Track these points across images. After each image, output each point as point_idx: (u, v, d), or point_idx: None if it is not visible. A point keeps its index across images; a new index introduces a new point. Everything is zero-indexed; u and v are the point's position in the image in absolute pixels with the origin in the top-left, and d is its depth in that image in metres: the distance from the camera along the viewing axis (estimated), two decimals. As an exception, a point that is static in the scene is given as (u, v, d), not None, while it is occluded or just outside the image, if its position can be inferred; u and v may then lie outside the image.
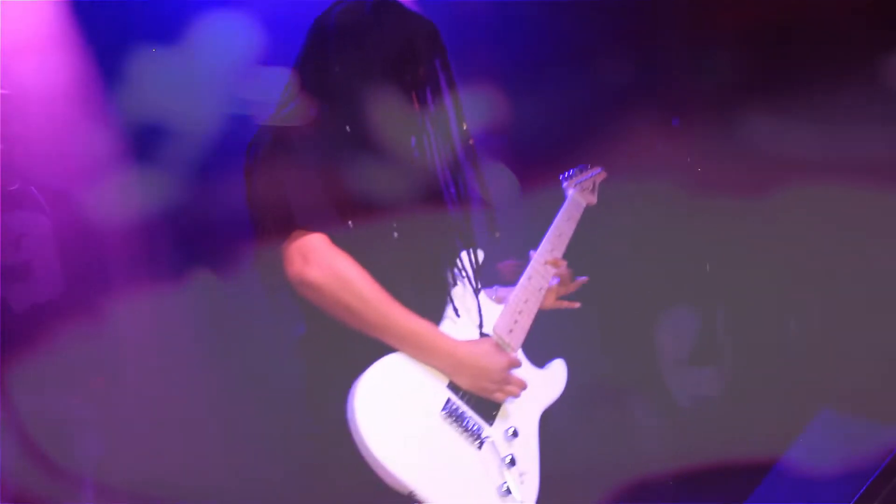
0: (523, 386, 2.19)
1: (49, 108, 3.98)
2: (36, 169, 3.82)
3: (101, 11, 4.05)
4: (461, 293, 2.23)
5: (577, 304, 2.50)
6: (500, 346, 2.19)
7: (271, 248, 2.06)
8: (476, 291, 2.25)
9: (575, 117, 4.44)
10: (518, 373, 2.22)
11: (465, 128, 2.24)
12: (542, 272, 2.39)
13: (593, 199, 2.71)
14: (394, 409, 2.02)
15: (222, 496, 4.17)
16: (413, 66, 2.18)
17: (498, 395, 2.15)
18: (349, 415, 1.98)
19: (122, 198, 4.10)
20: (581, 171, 2.74)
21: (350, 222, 2.08)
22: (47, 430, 3.68)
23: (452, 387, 2.11)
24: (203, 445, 4.22)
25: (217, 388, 4.45)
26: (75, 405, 3.75)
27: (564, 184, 2.69)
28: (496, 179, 3.15)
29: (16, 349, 3.59)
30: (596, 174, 2.77)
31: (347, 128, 2.14)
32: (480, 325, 2.22)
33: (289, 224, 2.03)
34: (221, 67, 4.09)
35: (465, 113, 2.24)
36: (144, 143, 4.16)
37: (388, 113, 2.15)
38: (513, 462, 2.13)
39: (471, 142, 2.26)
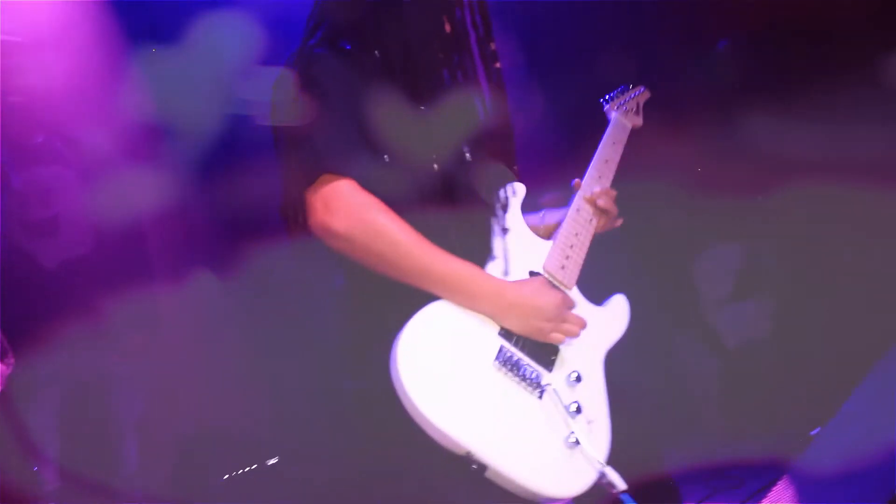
0: (583, 324, 1.99)
1: (70, 58, 3.86)
2: (59, 121, 3.73)
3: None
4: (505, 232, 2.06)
5: (619, 222, 2.30)
6: (551, 284, 2.01)
7: (297, 196, 1.90)
8: (504, 231, 2.05)
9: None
10: (576, 311, 2.03)
11: (492, 48, 2.10)
12: (589, 202, 2.22)
13: (639, 121, 2.52)
14: (441, 362, 1.83)
15: (264, 455, 4.14)
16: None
17: (555, 336, 1.96)
18: (393, 372, 1.79)
19: (150, 150, 4.00)
20: (623, 93, 2.55)
21: (384, 158, 1.91)
22: (84, 387, 3.64)
23: (504, 333, 1.92)
24: (244, 403, 4.17)
25: (255, 345, 4.40)
26: (112, 362, 3.69)
27: (606, 107, 2.51)
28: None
29: (48, 304, 3.54)
30: (639, 94, 2.58)
31: (376, 52, 1.99)
32: (507, 268, 2.01)
33: (314, 168, 1.87)
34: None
35: (493, 34, 2.10)
36: (168, 94, 4.05)
37: (419, 37, 2.01)
38: (579, 410, 1.92)
39: (497, 65, 2.10)
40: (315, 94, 1.90)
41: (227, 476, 4.17)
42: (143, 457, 3.79)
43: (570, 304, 2.00)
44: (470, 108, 2.07)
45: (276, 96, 1.98)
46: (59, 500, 3.52)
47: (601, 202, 2.20)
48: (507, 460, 1.82)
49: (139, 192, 3.93)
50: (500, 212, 2.06)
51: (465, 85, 2.05)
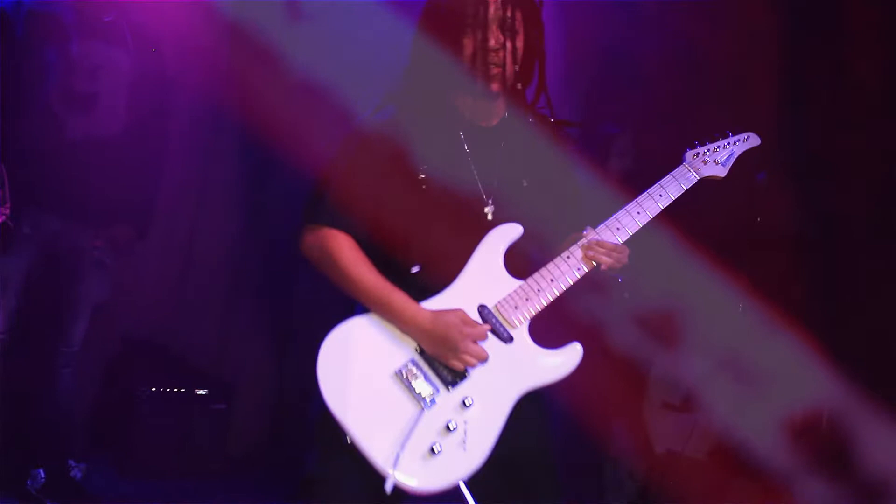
0: (481, 357, 2.21)
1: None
2: (133, 5, 3.81)
3: None
4: (483, 262, 2.29)
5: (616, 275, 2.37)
6: (465, 318, 2.23)
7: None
8: (473, 267, 2.29)
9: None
10: (501, 346, 2.23)
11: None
12: (587, 252, 2.31)
13: (721, 172, 2.46)
14: (352, 361, 2.22)
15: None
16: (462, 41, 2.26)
17: (454, 363, 2.21)
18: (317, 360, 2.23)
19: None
20: (714, 139, 2.49)
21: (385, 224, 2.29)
22: (58, 259, 3.72)
23: (420, 350, 2.24)
24: (203, 333, 4.26)
25: (239, 282, 4.49)
26: (94, 246, 3.77)
27: (686, 153, 2.47)
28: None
29: (57, 173, 3.61)
30: (740, 140, 2.49)
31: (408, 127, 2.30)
32: (452, 300, 2.27)
33: (309, 215, 2.31)
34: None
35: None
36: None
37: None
38: (452, 429, 2.19)
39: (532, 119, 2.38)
40: (345, 163, 2.32)
41: (152, 389, 4.28)
42: (86, 340, 3.87)
43: (474, 338, 2.22)
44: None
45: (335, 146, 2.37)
46: (3, 346, 3.62)
47: (591, 253, 2.30)
48: (369, 443, 2.18)
49: (176, 101, 4.03)
50: (478, 251, 2.30)
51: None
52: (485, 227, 2.30)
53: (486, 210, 2.32)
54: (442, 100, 2.32)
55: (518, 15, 2.28)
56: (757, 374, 4.05)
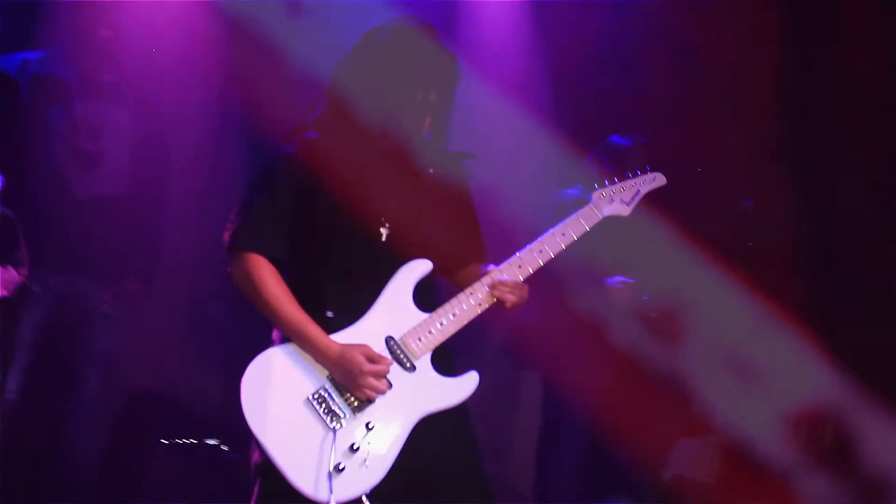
0: (379, 391, 2.42)
1: (160, 11, 4.06)
2: (132, 66, 3.90)
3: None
4: (393, 299, 2.49)
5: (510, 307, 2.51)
6: (370, 353, 2.42)
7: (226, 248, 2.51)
8: (381, 303, 2.47)
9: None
10: (404, 375, 2.44)
11: (443, 154, 2.54)
12: (490, 288, 2.50)
13: (625, 211, 2.59)
14: (271, 386, 2.42)
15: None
16: (412, 93, 2.47)
17: (357, 394, 2.43)
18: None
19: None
20: (622, 180, 2.60)
21: (299, 243, 2.47)
22: (69, 316, 3.76)
23: (331, 378, 2.45)
24: (210, 380, 4.27)
25: (243, 330, 4.50)
26: (102, 300, 3.81)
27: (593, 193, 2.58)
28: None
29: (65, 231, 3.67)
30: (647, 180, 2.61)
31: (328, 145, 2.49)
32: (361, 333, 2.46)
33: (232, 237, 2.48)
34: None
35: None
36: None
37: (367, 136, 2.48)
38: (355, 450, 2.40)
39: (430, 170, 2.54)
40: (264, 182, 2.52)
41: (164, 441, 4.30)
42: (98, 396, 3.89)
43: (375, 373, 2.41)
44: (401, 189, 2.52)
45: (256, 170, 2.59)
46: (13, 413, 3.64)
47: (497, 292, 2.50)
48: (283, 463, 2.38)
49: (177, 155, 4.10)
50: (389, 286, 2.49)
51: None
52: (379, 248, 2.50)
53: (381, 230, 2.50)
54: (361, 125, 2.47)
55: (456, 84, 2.53)
56: (759, 370, 4.12)
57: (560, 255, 2.52)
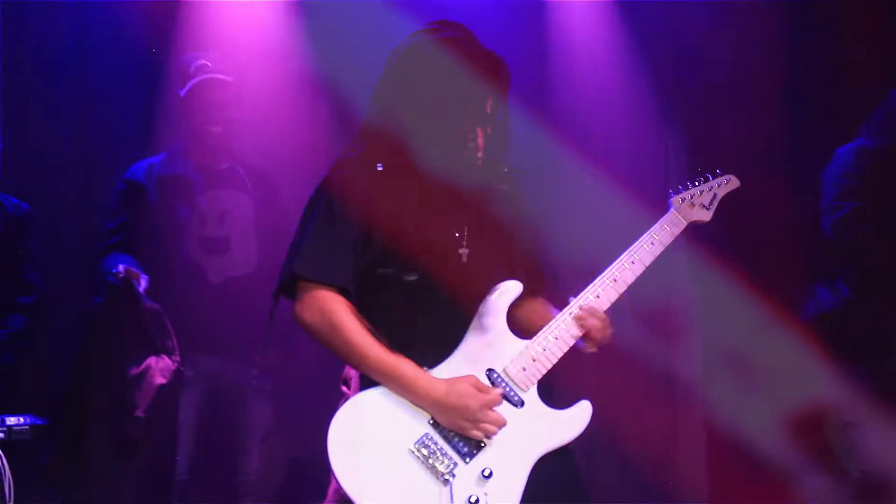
0: (500, 424, 2.16)
1: (264, 98, 4.29)
2: (245, 151, 4.13)
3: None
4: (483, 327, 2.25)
5: (608, 337, 2.31)
6: (480, 385, 2.17)
7: (284, 286, 2.29)
8: (476, 330, 2.24)
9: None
10: (514, 411, 2.19)
11: (504, 169, 2.36)
12: (586, 314, 2.28)
13: (706, 216, 2.48)
14: (364, 438, 2.13)
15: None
16: (480, 104, 2.27)
17: (474, 434, 2.15)
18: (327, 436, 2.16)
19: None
20: (696, 184, 2.50)
21: (377, 270, 2.24)
22: (224, 394, 3.96)
23: (434, 422, 2.17)
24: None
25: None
26: (251, 375, 4.00)
27: (671, 198, 2.47)
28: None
29: (207, 316, 3.88)
30: (721, 183, 2.51)
31: (379, 167, 2.27)
32: (460, 366, 2.22)
33: (293, 269, 2.24)
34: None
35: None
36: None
37: (429, 151, 2.27)
38: (476, 502, 2.12)
39: (503, 187, 2.36)
40: (323, 208, 2.26)
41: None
42: (261, 466, 4.06)
43: (491, 405, 2.16)
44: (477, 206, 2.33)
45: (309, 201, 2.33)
46: (185, 492, 3.85)
47: (587, 323, 2.27)
48: None
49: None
50: (480, 312, 2.25)
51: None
52: (460, 269, 2.27)
53: (460, 251, 2.29)
54: (419, 146, 2.27)
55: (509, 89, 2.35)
56: (759, 370, 3.98)
57: (651, 267, 2.37)
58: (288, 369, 4.14)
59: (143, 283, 3.65)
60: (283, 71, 4.42)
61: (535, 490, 2.19)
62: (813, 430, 3.80)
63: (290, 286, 2.27)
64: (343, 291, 2.22)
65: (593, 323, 2.28)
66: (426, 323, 2.25)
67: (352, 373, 2.39)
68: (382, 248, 2.23)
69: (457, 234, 2.29)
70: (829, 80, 4.35)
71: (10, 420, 3.35)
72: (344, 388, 2.43)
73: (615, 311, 2.35)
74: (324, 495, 4.43)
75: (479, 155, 2.30)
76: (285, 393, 4.27)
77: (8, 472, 3.10)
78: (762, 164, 4.03)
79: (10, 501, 3.07)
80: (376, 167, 2.26)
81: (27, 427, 3.37)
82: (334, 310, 2.19)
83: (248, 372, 3.97)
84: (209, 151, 3.99)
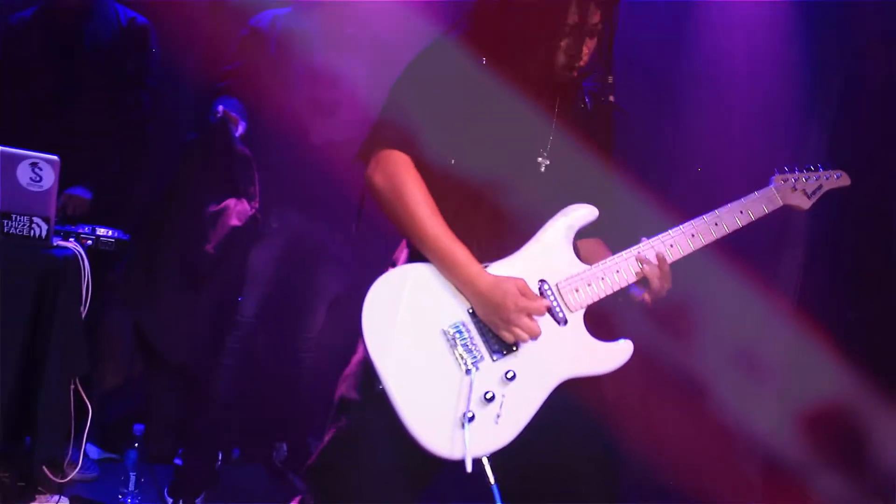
0: (532, 333, 2.12)
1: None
2: (371, 18, 4.04)
3: None
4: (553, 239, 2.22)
5: (663, 292, 2.27)
6: (526, 289, 2.13)
7: (367, 150, 2.27)
8: (539, 240, 2.23)
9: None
10: (555, 327, 2.16)
11: (609, 80, 2.29)
12: (657, 253, 2.26)
13: (806, 204, 2.44)
14: (401, 309, 2.12)
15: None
16: (563, 13, 2.19)
17: (504, 334, 2.12)
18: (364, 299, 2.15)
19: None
20: (805, 170, 2.47)
21: (448, 152, 2.19)
22: (303, 252, 4.03)
23: (472, 312, 2.15)
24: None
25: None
26: (332, 239, 4.04)
27: (773, 176, 2.44)
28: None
29: (303, 174, 3.90)
30: (831, 178, 2.47)
31: (483, 60, 2.21)
32: (514, 268, 2.19)
33: (377, 130, 2.23)
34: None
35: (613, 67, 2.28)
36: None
37: (525, 56, 2.21)
38: (491, 399, 2.10)
39: (611, 98, 2.31)
40: (413, 86, 2.24)
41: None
42: (324, 328, 4.17)
43: (536, 313, 2.13)
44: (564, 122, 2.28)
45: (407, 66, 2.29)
46: (250, 334, 3.99)
47: (646, 268, 2.24)
48: (403, 397, 2.08)
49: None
50: (549, 226, 2.23)
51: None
52: (536, 178, 2.25)
53: (538, 160, 2.28)
54: (513, 49, 2.23)
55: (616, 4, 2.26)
56: (770, 368, 3.91)
57: (732, 234, 2.33)
58: (370, 243, 4.19)
59: (240, 129, 3.70)
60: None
61: (559, 413, 2.17)
62: (827, 428, 3.75)
63: (370, 149, 2.26)
64: (420, 163, 2.20)
65: (655, 271, 2.26)
66: (489, 223, 2.23)
67: (401, 256, 2.32)
68: (464, 139, 2.20)
69: (538, 145, 2.26)
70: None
71: (100, 230, 3.50)
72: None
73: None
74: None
75: (578, 65, 2.24)
76: (362, 265, 4.33)
77: (88, 278, 3.24)
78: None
79: (85, 307, 3.23)
80: (480, 59, 2.21)
81: (113, 240, 3.52)
82: (402, 176, 2.17)
83: (331, 236, 4.02)
84: (335, 12, 3.95)
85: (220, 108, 3.68)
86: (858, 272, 4.02)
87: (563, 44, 2.22)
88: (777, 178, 2.43)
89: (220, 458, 4.08)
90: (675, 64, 4.58)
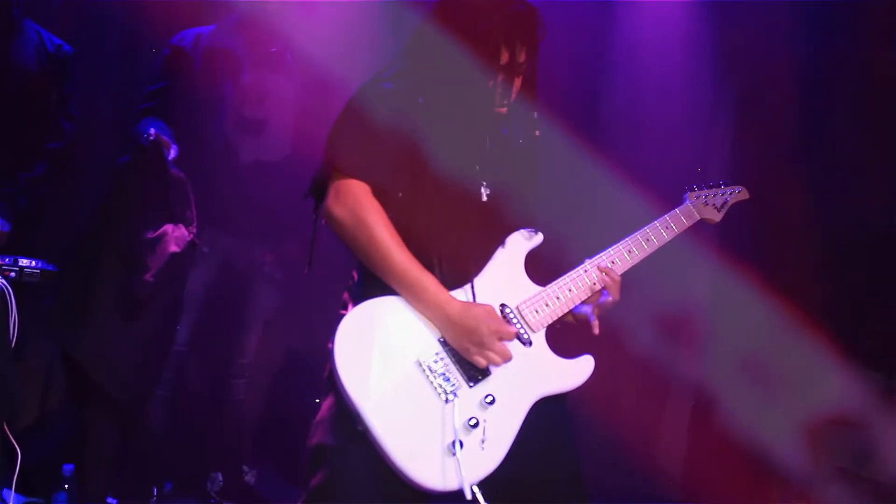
0: (506, 356, 2.17)
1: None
2: (295, 36, 4.03)
3: None
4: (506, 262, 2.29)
5: (594, 330, 2.39)
6: (495, 315, 2.19)
7: (321, 182, 2.26)
8: (496, 266, 2.29)
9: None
10: (522, 349, 2.22)
11: (534, 116, 2.38)
12: (601, 269, 2.40)
13: (716, 217, 2.65)
14: (371, 344, 2.11)
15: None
16: (496, 52, 2.29)
17: (477, 359, 2.16)
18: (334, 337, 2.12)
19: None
20: (713, 187, 2.68)
21: (399, 183, 2.23)
22: (235, 275, 3.95)
23: (444, 341, 2.17)
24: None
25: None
26: (264, 261, 3.98)
27: (686, 193, 2.65)
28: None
29: (232, 195, 3.85)
30: (734, 193, 2.69)
31: (420, 99, 2.27)
32: (472, 284, 2.24)
33: (331, 161, 2.22)
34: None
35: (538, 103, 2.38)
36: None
37: (459, 95, 2.29)
38: (475, 425, 2.12)
39: (537, 133, 2.39)
40: (358, 114, 2.25)
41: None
42: (257, 352, 4.09)
43: (502, 336, 2.17)
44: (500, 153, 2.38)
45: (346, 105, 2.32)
46: (181, 363, 3.88)
47: (606, 278, 2.37)
48: (387, 434, 2.07)
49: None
50: (501, 252, 2.30)
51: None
52: (481, 206, 2.31)
53: (481, 190, 2.34)
54: (447, 87, 2.29)
55: (537, 41, 2.36)
56: (779, 377, 3.99)
57: (660, 250, 2.51)
58: (302, 264, 4.13)
59: (172, 153, 3.62)
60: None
61: (527, 431, 2.21)
62: (831, 436, 3.81)
63: (324, 184, 2.25)
64: (378, 191, 2.20)
65: (610, 280, 2.39)
66: (442, 252, 2.25)
67: (352, 293, 2.32)
68: (411, 171, 2.24)
69: (479, 176, 2.32)
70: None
71: (23, 262, 3.37)
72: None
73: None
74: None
75: (504, 102, 2.34)
76: (295, 284, 4.28)
77: (14, 311, 3.12)
78: (785, 169, 4.01)
79: (13, 340, 3.10)
80: (417, 98, 2.27)
81: (38, 270, 3.39)
82: (364, 205, 2.16)
83: (263, 256, 3.97)
84: (261, 30, 3.91)
85: (152, 130, 3.59)
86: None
87: (494, 83, 2.30)
88: (690, 195, 2.63)
89: (154, 493, 3.94)
90: (589, 83, 4.68)
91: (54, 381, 3.97)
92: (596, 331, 2.39)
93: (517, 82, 2.34)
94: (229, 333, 4.03)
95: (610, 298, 2.40)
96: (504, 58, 2.29)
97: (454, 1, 2.34)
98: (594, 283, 2.37)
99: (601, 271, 2.38)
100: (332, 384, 2.17)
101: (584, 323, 2.41)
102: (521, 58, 2.31)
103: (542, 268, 2.43)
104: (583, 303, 2.38)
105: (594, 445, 3.84)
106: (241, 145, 3.84)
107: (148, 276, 3.56)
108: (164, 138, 3.61)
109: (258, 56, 3.89)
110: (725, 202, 2.66)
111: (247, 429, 4.12)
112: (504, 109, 2.36)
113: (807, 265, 4.08)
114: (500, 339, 2.17)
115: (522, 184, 2.41)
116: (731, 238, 4.00)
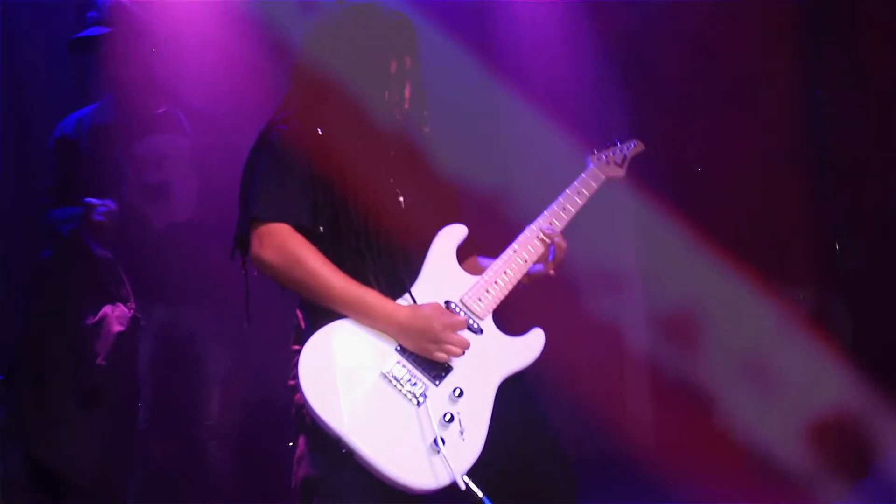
0: (464, 345, 2.28)
1: (200, 31, 4.13)
2: (184, 93, 4.00)
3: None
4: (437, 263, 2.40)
5: (552, 270, 2.53)
6: (443, 309, 2.30)
7: (243, 232, 2.37)
8: (429, 267, 2.40)
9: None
10: (475, 337, 2.33)
11: (425, 114, 2.50)
12: (531, 245, 2.49)
13: (620, 173, 2.78)
14: (336, 368, 2.20)
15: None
16: (385, 65, 2.44)
17: (438, 355, 2.26)
18: (297, 370, 2.22)
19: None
20: (609, 147, 2.83)
21: (315, 213, 2.35)
22: (178, 343, 3.91)
23: (401, 349, 2.27)
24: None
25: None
26: (204, 321, 3.95)
27: (588, 157, 2.78)
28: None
29: (153, 264, 3.80)
30: (630, 147, 2.83)
31: (319, 131, 2.39)
32: (409, 293, 2.33)
33: (248, 213, 2.33)
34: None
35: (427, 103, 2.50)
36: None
37: (356, 115, 2.41)
38: (451, 420, 2.21)
39: (426, 129, 2.51)
40: (263, 158, 2.38)
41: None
42: (222, 410, 4.05)
43: (454, 328, 2.28)
44: (408, 157, 2.51)
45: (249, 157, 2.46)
46: (146, 441, 3.83)
47: (558, 239, 2.50)
48: (372, 449, 2.16)
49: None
50: (429, 254, 2.41)
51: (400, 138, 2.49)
52: (400, 215, 2.43)
53: (399, 199, 2.45)
54: (344, 105, 2.41)
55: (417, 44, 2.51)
56: (778, 377, 4.04)
57: (578, 215, 2.60)
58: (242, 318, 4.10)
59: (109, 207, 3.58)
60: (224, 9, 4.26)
61: (500, 414, 2.31)
62: (833, 437, 3.85)
63: (246, 236, 2.34)
64: (300, 229, 2.31)
65: (559, 242, 2.51)
66: (377, 266, 2.35)
67: (300, 327, 2.40)
68: (327, 201, 2.35)
69: (394, 185, 2.44)
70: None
71: (-35, 379, 3.30)
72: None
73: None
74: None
75: (401, 109, 2.45)
76: (241, 339, 4.23)
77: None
78: (782, 168, 4.06)
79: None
80: (316, 130, 2.38)
81: (-16, 383, 3.32)
82: (292, 243, 2.26)
83: (199, 318, 3.92)
84: (145, 95, 3.86)
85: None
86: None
87: (387, 93, 2.44)
88: (592, 158, 2.77)
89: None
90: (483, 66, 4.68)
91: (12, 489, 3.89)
92: (552, 271, 2.52)
93: (408, 87, 2.46)
94: (189, 400, 3.98)
95: (564, 245, 2.53)
96: (392, 67, 2.42)
97: (329, 29, 2.46)
98: (526, 260, 2.48)
99: (547, 236, 2.50)
100: (301, 420, 2.27)
101: (540, 279, 2.54)
102: (408, 63, 2.46)
103: (484, 251, 2.57)
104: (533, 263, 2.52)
105: (564, 414, 3.88)
106: (151, 213, 3.80)
107: (99, 361, 3.54)
108: (93, 201, 3.56)
109: (146, 120, 3.85)
110: (625, 157, 2.79)
111: (224, 489, 4.07)
112: (401, 116, 2.45)
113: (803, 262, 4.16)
114: (454, 330, 2.27)
115: (433, 182, 2.54)
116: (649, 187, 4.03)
